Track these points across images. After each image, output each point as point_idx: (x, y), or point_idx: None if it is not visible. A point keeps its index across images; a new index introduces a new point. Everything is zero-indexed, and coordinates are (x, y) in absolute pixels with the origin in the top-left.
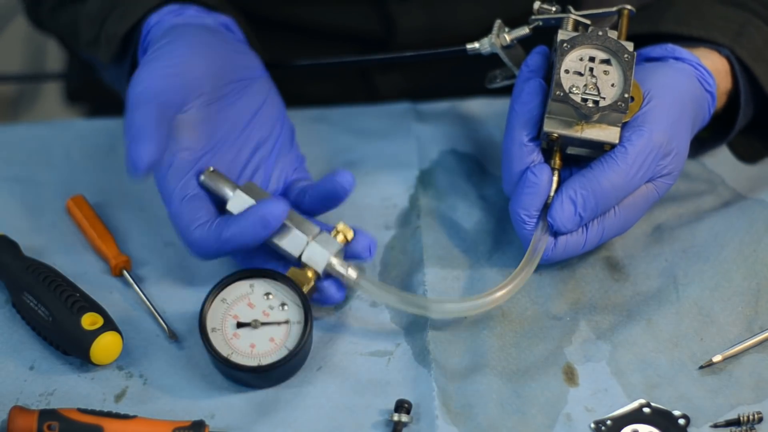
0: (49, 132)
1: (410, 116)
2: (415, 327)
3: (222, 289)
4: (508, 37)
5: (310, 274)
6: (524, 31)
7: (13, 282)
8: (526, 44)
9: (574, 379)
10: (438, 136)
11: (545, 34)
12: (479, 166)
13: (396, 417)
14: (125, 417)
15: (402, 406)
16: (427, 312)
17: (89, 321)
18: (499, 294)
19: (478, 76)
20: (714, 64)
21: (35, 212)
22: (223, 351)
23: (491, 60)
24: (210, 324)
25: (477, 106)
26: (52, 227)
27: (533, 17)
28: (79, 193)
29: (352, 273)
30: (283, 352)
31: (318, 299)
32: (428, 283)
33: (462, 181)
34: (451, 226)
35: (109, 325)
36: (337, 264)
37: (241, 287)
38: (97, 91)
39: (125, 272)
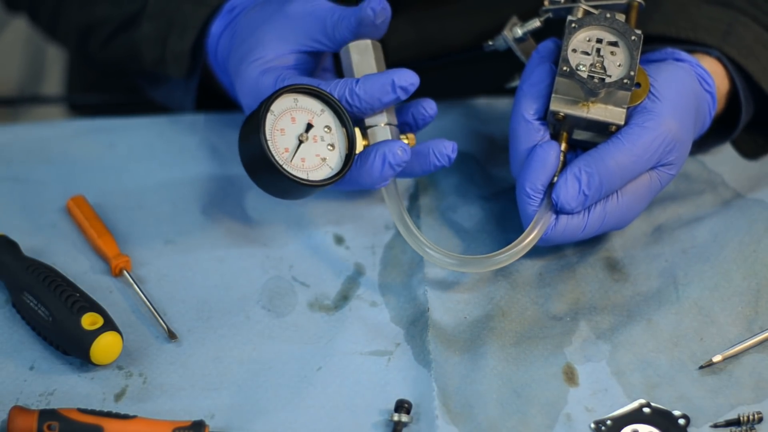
0: (49, 132)
1: None
2: (415, 327)
3: (293, 92)
4: (520, 30)
5: (365, 141)
6: (536, 23)
7: (13, 282)
8: (538, 38)
9: (574, 379)
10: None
11: (556, 29)
12: (479, 166)
13: (396, 417)
14: (125, 417)
15: (402, 406)
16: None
17: (89, 321)
18: (497, 258)
19: (477, 77)
20: (711, 66)
21: (35, 212)
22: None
23: (491, 61)
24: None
25: (477, 107)
26: (52, 227)
27: (544, 8)
28: (79, 193)
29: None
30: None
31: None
32: (428, 283)
33: (462, 181)
34: (451, 226)
35: (109, 325)
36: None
37: (310, 103)
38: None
39: (125, 272)
